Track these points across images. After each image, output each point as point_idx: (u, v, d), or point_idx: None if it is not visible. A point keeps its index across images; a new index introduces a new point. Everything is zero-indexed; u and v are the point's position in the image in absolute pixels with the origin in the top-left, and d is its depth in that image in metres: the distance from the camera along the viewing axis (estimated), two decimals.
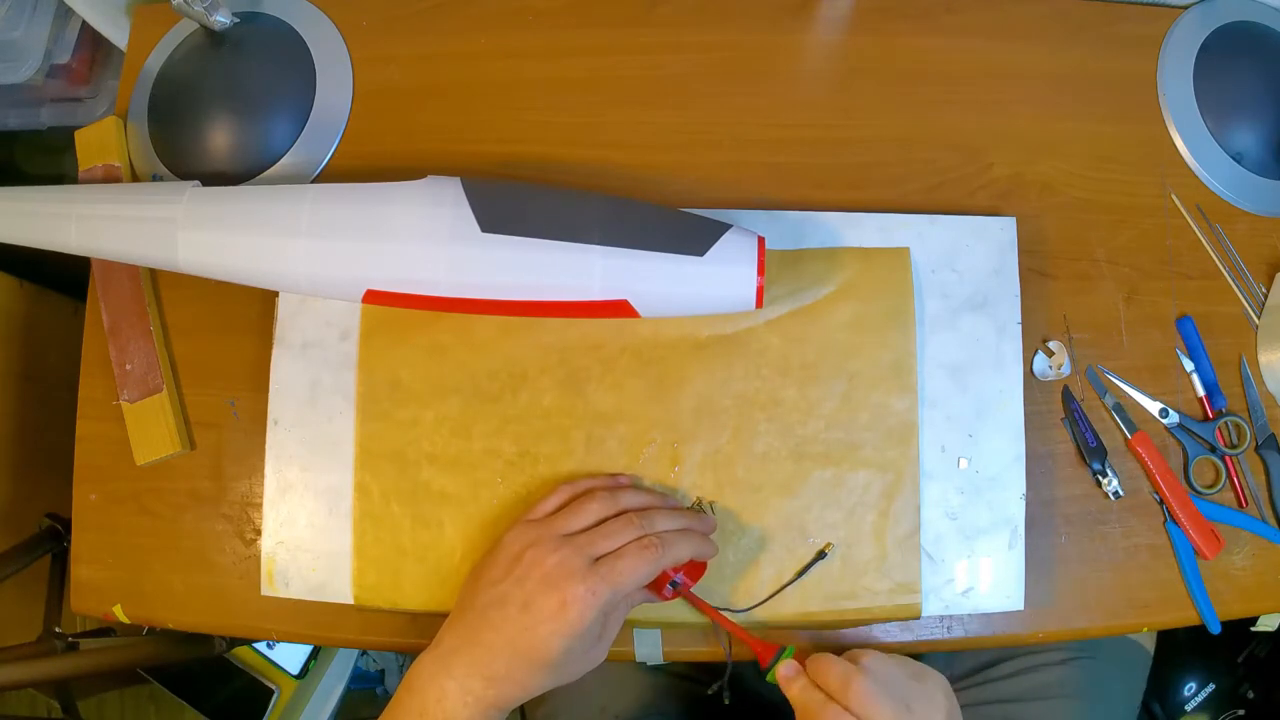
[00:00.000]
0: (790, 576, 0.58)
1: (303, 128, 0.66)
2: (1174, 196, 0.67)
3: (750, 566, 0.58)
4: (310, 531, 0.60)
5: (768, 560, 0.58)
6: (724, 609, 0.57)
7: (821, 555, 0.58)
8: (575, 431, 0.59)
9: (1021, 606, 0.60)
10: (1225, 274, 0.66)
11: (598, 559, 0.50)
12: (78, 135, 0.68)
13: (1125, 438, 0.63)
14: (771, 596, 0.58)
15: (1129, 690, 0.76)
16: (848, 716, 0.49)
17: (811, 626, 0.60)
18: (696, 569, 0.55)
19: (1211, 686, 1.00)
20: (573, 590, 0.48)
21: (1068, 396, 0.63)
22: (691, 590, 0.55)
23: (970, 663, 0.76)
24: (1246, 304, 0.66)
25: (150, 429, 0.62)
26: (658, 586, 0.54)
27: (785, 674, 0.53)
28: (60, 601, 0.77)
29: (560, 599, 0.48)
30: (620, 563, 0.49)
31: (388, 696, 1.26)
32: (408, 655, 1.27)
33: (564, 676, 0.51)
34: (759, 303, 0.56)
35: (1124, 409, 0.63)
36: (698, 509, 0.59)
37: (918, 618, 0.59)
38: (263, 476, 0.60)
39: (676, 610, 0.57)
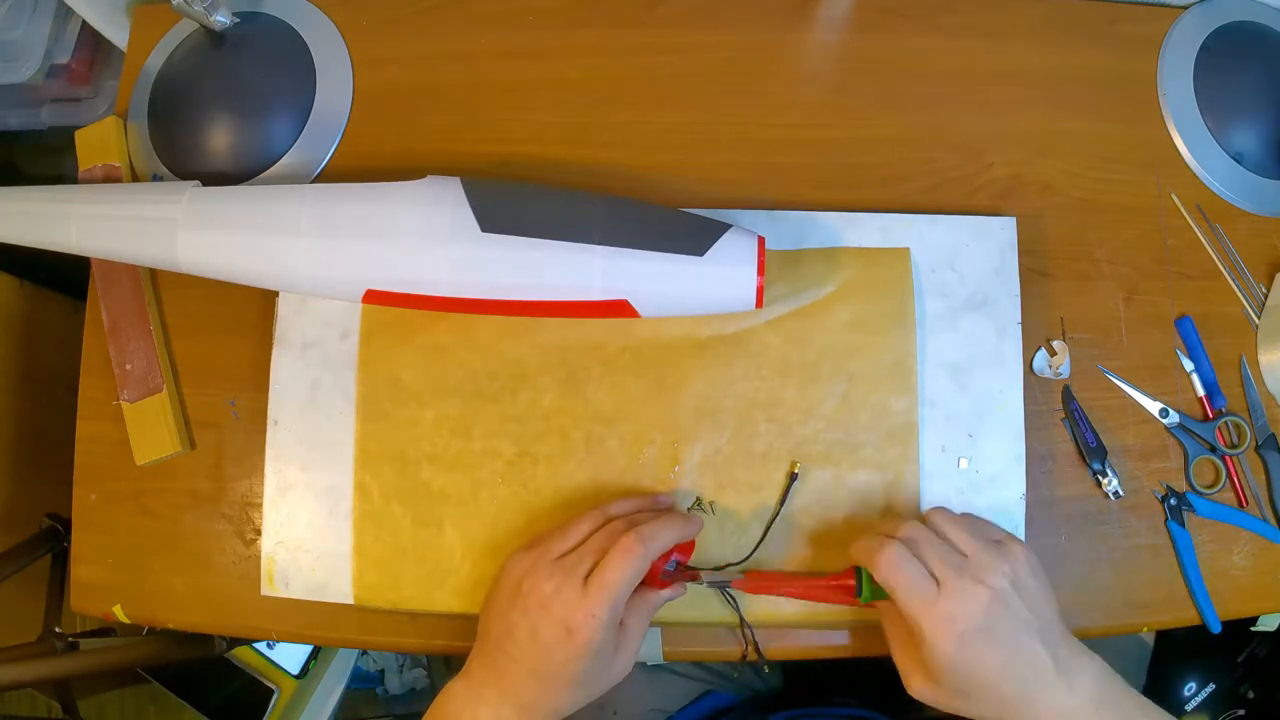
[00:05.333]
0: (772, 513, 0.58)
1: (303, 128, 0.66)
2: (1174, 196, 0.67)
3: (749, 566, 0.58)
4: (310, 531, 0.60)
5: (767, 560, 0.58)
6: (717, 569, 0.57)
7: (794, 477, 0.58)
8: (575, 431, 0.59)
9: None
10: (1225, 274, 0.66)
11: (588, 576, 0.49)
12: (78, 135, 0.68)
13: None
14: (760, 543, 0.58)
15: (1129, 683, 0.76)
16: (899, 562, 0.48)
17: (811, 626, 0.60)
18: (685, 550, 0.55)
19: (1211, 686, 1.00)
20: (573, 616, 0.48)
21: (1068, 396, 0.63)
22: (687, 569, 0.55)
23: None
24: (1246, 304, 0.66)
25: (150, 429, 0.62)
26: (655, 581, 0.54)
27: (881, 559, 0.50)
28: (60, 601, 0.76)
29: (564, 626, 0.48)
30: (607, 572, 0.49)
31: (388, 696, 1.27)
32: (407, 655, 1.27)
33: (594, 692, 0.52)
34: (759, 303, 0.56)
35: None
36: (698, 509, 0.59)
37: None
38: (263, 476, 0.60)
39: (677, 609, 0.57)
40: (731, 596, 0.58)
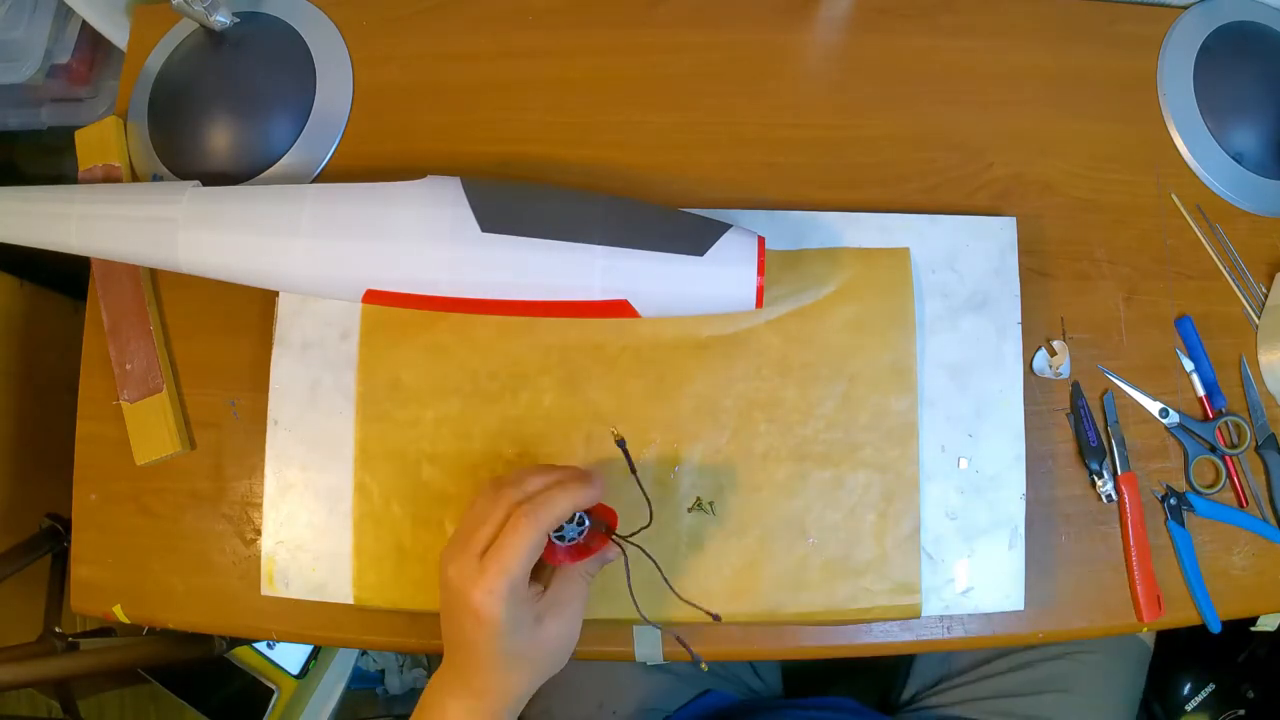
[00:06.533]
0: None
1: (303, 128, 0.66)
2: (1174, 196, 0.67)
3: (749, 567, 0.58)
4: (310, 531, 0.60)
5: (766, 560, 0.58)
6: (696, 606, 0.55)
7: (620, 442, 0.54)
8: (575, 431, 0.59)
9: (1022, 606, 0.60)
10: (1225, 274, 0.66)
11: (483, 553, 0.48)
12: (78, 135, 0.68)
13: (1115, 471, 0.63)
14: (650, 511, 0.54)
15: (1129, 684, 0.76)
16: None
17: (811, 625, 0.60)
18: (608, 516, 0.53)
19: (1211, 686, 1.00)
20: (472, 597, 0.47)
21: (1077, 392, 0.63)
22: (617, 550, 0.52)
23: (969, 658, 0.76)
24: (1246, 304, 0.66)
25: (150, 429, 0.62)
26: (576, 554, 0.51)
27: None
28: (60, 601, 0.76)
29: (471, 610, 0.47)
30: (501, 548, 0.47)
31: (388, 696, 1.27)
32: (407, 655, 1.27)
33: (542, 666, 0.51)
34: (759, 303, 0.56)
35: (1124, 442, 0.63)
36: (698, 509, 0.59)
37: (918, 618, 0.59)
38: (263, 476, 0.60)
39: (677, 608, 0.57)
40: (664, 577, 0.54)
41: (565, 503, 0.49)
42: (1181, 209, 0.67)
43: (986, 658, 0.75)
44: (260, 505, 0.61)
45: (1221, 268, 0.66)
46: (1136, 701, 0.77)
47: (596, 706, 0.73)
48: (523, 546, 0.47)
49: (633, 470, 0.54)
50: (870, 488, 0.59)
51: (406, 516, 0.59)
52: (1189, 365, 0.65)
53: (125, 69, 0.69)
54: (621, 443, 0.54)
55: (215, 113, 0.67)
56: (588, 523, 0.52)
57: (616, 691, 0.74)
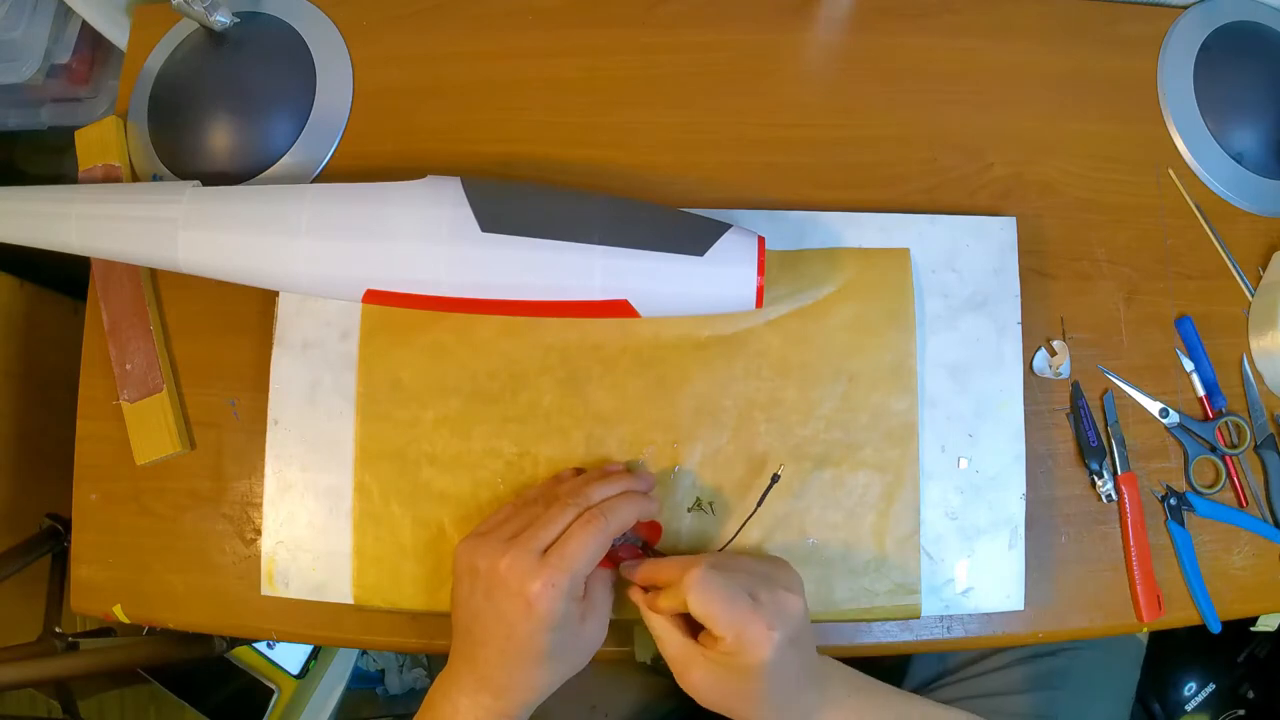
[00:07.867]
0: (751, 509, 0.57)
1: (303, 128, 0.66)
2: (1176, 195, 0.67)
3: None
4: (310, 531, 0.60)
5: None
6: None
7: (775, 479, 0.57)
8: (575, 432, 0.59)
9: (1022, 606, 0.60)
10: (1225, 274, 0.66)
11: (546, 549, 0.50)
12: (78, 135, 0.68)
13: (1115, 471, 0.63)
14: (731, 540, 0.57)
15: (1123, 680, 0.76)
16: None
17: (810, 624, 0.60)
18: (653, 532, 0.55)
19: (1211, 686, 1.00)
20: (531, 588, 0.48)
21: (1077, 393, 0.63)
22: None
23: (964, 655, 0.76)
24: (1246, 303, 0.66)
25: (150, 429, 0.62)
26: (612, 560, 0.54)
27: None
28: (60, 601, 0.76)
29: (524, 600, 0.48)
30: (568, 545, 0.49)
31: (388, 696, 1.27)
32: (407, 655, 1.27)
33: (570, 665, 0.52)
34: (759, 303, 0.56)
35: (1124, 442, 0.63)
36: (697, 509, 0.59)
37: (918, 618, 0.59)
38: (263, 476, 0.60)
39: None
40: None
41: (632, 513, 0.52)
42: (1186, 204, 0.67)
43: (982, 654, 0.75)
44: (260, 505, 0.61)
45: (1223, 267, 0.66)
46: (1131, 696, 0.77)
47: (589, 709, 0.73)
48: (591, 546, 0.49)
49: (759, 503, 0.57)
50: (870, 488, 0.59)
51: (406, 516, 0.59)
52: (1189, 365, 0.65)
53: (125, 69, 0.69)
54: (776, 478, 0.57)
55: (215, 113, 0.67)
56: (627, 532, 0.54)
57: (610, 694, 0.74)
